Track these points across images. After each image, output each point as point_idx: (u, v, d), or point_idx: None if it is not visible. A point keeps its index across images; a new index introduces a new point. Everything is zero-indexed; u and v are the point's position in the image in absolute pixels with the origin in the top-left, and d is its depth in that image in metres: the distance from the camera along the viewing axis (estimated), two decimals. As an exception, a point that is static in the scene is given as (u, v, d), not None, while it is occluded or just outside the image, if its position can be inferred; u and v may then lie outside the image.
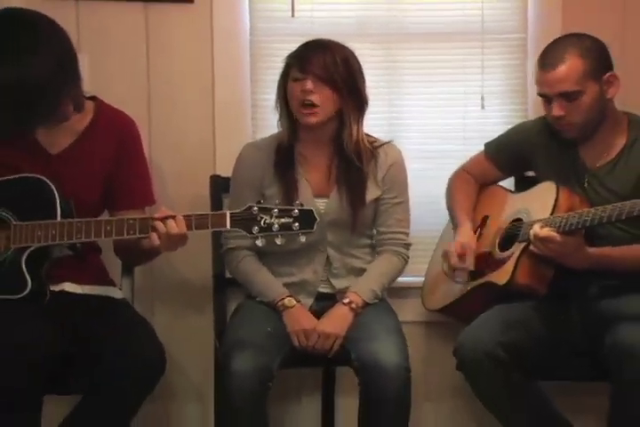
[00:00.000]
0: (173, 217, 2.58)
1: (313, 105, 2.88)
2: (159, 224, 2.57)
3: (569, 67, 2.81)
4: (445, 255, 3.02)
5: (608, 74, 2.87)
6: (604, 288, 2.88)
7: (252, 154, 3.05)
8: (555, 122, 2.90)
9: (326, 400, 3.38)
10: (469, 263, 2.97)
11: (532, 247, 2.76)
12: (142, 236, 2.60)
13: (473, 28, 3.42)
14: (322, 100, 2.88)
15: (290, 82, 2.92)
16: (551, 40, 2.94)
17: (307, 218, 2.54)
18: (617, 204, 2.62)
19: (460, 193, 3.18)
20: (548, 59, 2.86)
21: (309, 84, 2.86)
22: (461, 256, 2.97)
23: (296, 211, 2.54)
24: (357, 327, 2.87)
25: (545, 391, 2.82)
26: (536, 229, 2.71)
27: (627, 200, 2.70)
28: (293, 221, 2.53)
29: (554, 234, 2.67)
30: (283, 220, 2.53)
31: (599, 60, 2.86)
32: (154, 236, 2.58)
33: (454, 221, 3.13)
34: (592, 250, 2.75)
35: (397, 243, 3.05)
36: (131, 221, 2.59)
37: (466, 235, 3.04)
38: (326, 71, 2.87)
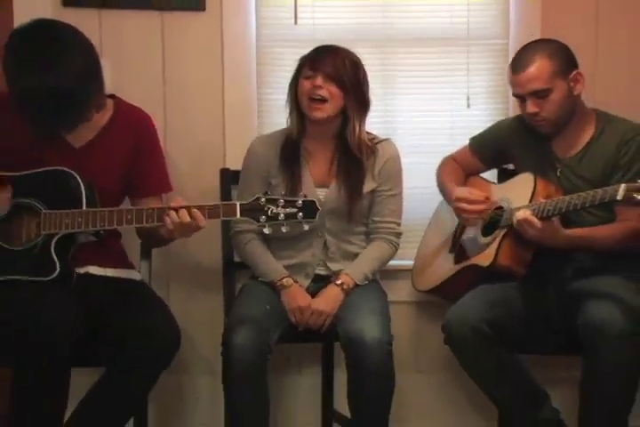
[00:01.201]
0: (187, 207, 2.58)
1: (321, 100, 2.89)
2: (172, 214, 2.58)
3: (538, 68, 2.83)
4: (457, 200, 2.97)
5: (574, 72, 2.88)
6: (578, 270, 2.89)
7: (261, 147, 3.05)
8: (530, 119, 2.91)
9: (326, 373, 3.37)
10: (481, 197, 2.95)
11: (516, 228, 2.75)
12: (158, 224, 2.61)
13: (459, 34, 3.42)
14: (329, 95, 2.89)
15: (301, 80, 2.93)
16: (530, 45, 2.96)
17: (310, 208, 2.55)
18: (589, 191, 2.62)
19: (449, 174, 3.16)
20: (518, 62, 2.88)
21: (319, 80, 2.88)
22: (470, 197, 2.96)
23: (300, 202, 2.55)
24: (346, 307, 2.88)
25: (524, 364, 2.83)
26: (519, 214, 2.71)
27: (596, 186, 2.71)
28: (297, 211, 2.54)
29: (534, 220, 2.67)
30: (288, 210, 2.54)
31: (565, 60, 2.87)
32: (168, 223, 2.58)
33: (447, 192, 3.10)
34: (568, 231, 2.76)
35: (389, 232, 3.05)
36: (149, 211, 2.60)
37: (463, 188, 3.03)
38: (335, 70, 2.89)
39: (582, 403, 2.74)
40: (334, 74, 2.88)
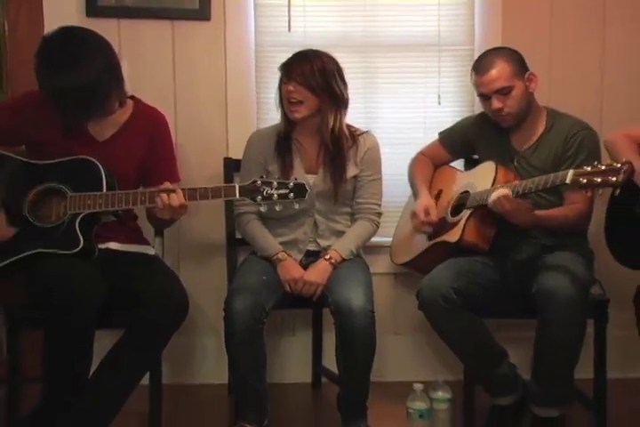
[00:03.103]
0: (173, 191, 2.59)
1: (297, 102, 2.89)
2: (163, 196, 2.58)
3: (498, 69, 2.85)
4: (413, 215, 3.03)
5: (528, 73, 2.90)
6: (534, 246, 2.90)
7: (258, 139, 3.06)
8: (495, 114, 2.92)
9: (315, 335, 3.39)
10: (433, 215, 2.99)
11: (490, 205, 2.73)
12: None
13: (431, 41, 3.42)
14: (302, 98, 2.89)
15: (282, 85, 2.94)
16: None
17: (300, 189, 2.56)
18: (542, 176, 2.64)
19: (419, 171, 3.17)
20: (481, 65, 2.89)
21: (291, 87, 2.88)
22: (426, 212, 2.99)
23: (291, 184, 2.56)
24: (336, 279, 2.88)
25: (486, 326, 2.84)
26: (500, 191, 2.70)
27: (547, 174, 2.72)
28: (289, 192, 2.55)
29: (510, 194, 2.68)
30: (281, 191, 2.55)
31: (519, 63, 2.89)
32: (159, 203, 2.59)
33: (415, 192, 3.13)
34: (536, 212, 2.76)
35: (371, 212, 3.05)
36: (158, 193, 2.60)
37: (426, 198, 3.06)
38: (303, 76, 2.88)
39: (535, 359, 2.75)
40: (302, 80, 2.88)
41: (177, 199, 2.58)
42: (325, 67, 2.92)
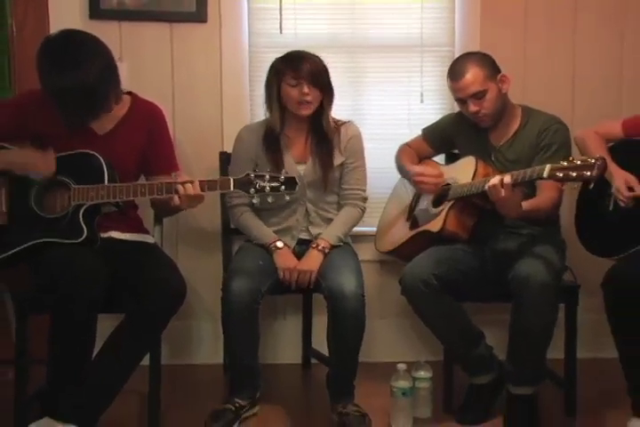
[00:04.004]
0: (192, 182, 2.59)
1: (308, 102, 2.89)
2: (180, 187, 2.58)
3: (472, 74, 2.84)
4: (416, 180, 3.01)
5: (500, 75, 2.90)
6: (510, 235, 2.91)
7: (247, 134, 3.04)
8: (473, 116, 2.92)
9: (305, 319, 3.39)
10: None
11: (487, 189, 2.66)
12: (168, 196, 2.60)
13: (415, 43, 3.42)
14: (314, 98, 2.89)
15: (285, 86, 2.90)
16: (472, 52, 2.96)
17: (290, 182, 2.57)
18: (521, 170, 2.63)
19: (406, 157, 3.16)
20: (454, 72, 2.88)
21: (305, 88, 2.86)
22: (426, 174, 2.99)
23: (282, 177, 2.57)
24: (329, 266, 2.87)
25: (465, 309, 2.85)
26: (497, 177, 2.64)
27: (521, 165, 2.74)
28: (280, 185, 2.56)
29: (510, 182, 2.62)
30: (272, 184, 2.56)
31: (491, 66, 2.89)
32: (176, 196, 2.59)
33: (406, 170, 3.09)
34: (523, 203, 2.74)
35: (356, 197, 3.04)
36: (159, 185, 2.60)
37: (420, 166, 3.06)
38: (314, 78, 2.87)
39: (510, 341, 2.76)
40: (313, 80, 2.87)
41: (193, 189, 2.58)
42: (324, 66, 2.93)
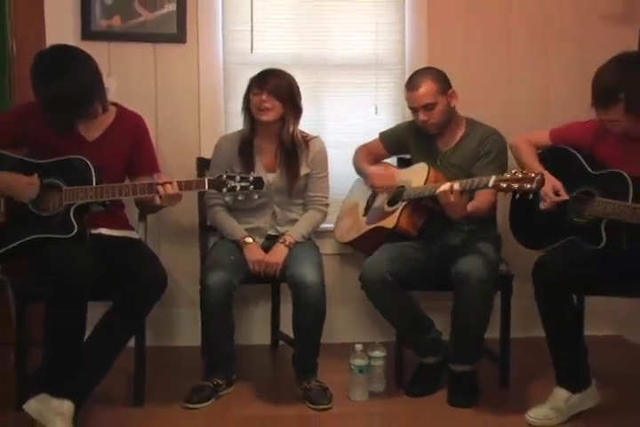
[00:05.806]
0: (170, 182, 2.58)
1: (266, 109, 2.89)
2: (160, 188, 2.58)
3: (426, 88, 2.86)
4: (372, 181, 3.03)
5: (450, 90, 2.92)
6: (454, 232, 2.93)
7: (224, 143, 3.04)
8: (422, 124, 2.94)
9: (274, 305, 3.39)
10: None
11: (438, 194, 2.66)
12: (149, 195, 2.60)
13: (370, 61, 3.43)
14: (272, 106, 2.89)
15: (251, 95, 2.93)
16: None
17: (258, 182, 2.59)
18: (469, 180, 2.64)
19: (363, 158, 3.15)
20: (411, 83, 2.90)
21: (264, 96, 2.88)
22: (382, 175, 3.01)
23: (251, 178, 2.59)
24: (293, 258, 2.88)
25: (415, 299, 2.86)
26: (447, 184, 2.66)
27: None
28: (249, 184, 2.58)
29: (458, 189, 2.63)
30: (242, 183, 2.58)
31: (443, 82, 2.91)
32: (157, 196, 2.58)
33: (364, 172, 3.09)
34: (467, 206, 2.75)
35: (319, 203, 3.05)
36: (142, 186, 2.60)
37: (377, 166, 3.07)
38: (275, 88, 2.88)
39: (452, 327, 2.79)
40: (274, 91, 2.88)
41: (172, 189, 2.57)
42: (291, 82, 2.94)
